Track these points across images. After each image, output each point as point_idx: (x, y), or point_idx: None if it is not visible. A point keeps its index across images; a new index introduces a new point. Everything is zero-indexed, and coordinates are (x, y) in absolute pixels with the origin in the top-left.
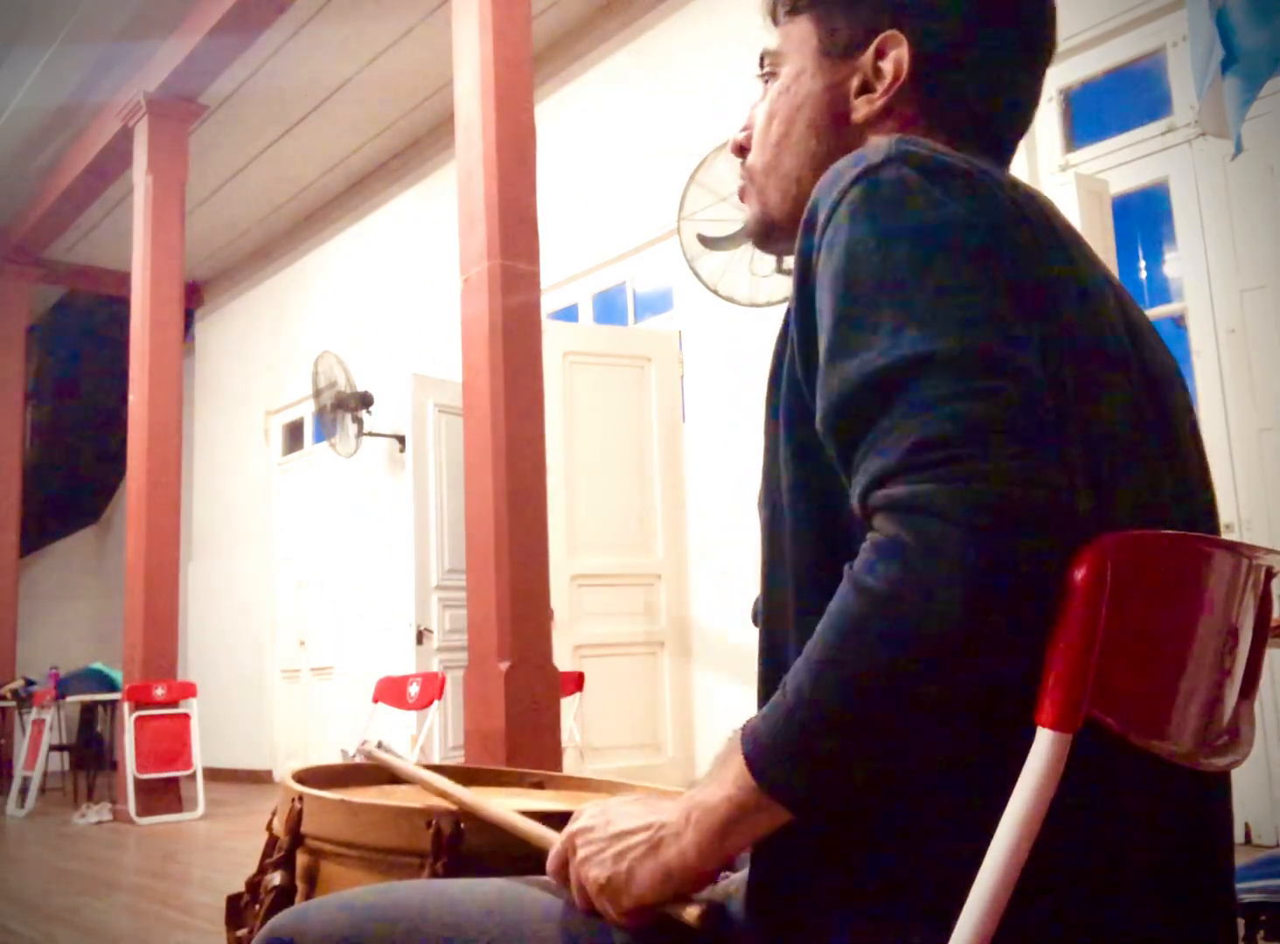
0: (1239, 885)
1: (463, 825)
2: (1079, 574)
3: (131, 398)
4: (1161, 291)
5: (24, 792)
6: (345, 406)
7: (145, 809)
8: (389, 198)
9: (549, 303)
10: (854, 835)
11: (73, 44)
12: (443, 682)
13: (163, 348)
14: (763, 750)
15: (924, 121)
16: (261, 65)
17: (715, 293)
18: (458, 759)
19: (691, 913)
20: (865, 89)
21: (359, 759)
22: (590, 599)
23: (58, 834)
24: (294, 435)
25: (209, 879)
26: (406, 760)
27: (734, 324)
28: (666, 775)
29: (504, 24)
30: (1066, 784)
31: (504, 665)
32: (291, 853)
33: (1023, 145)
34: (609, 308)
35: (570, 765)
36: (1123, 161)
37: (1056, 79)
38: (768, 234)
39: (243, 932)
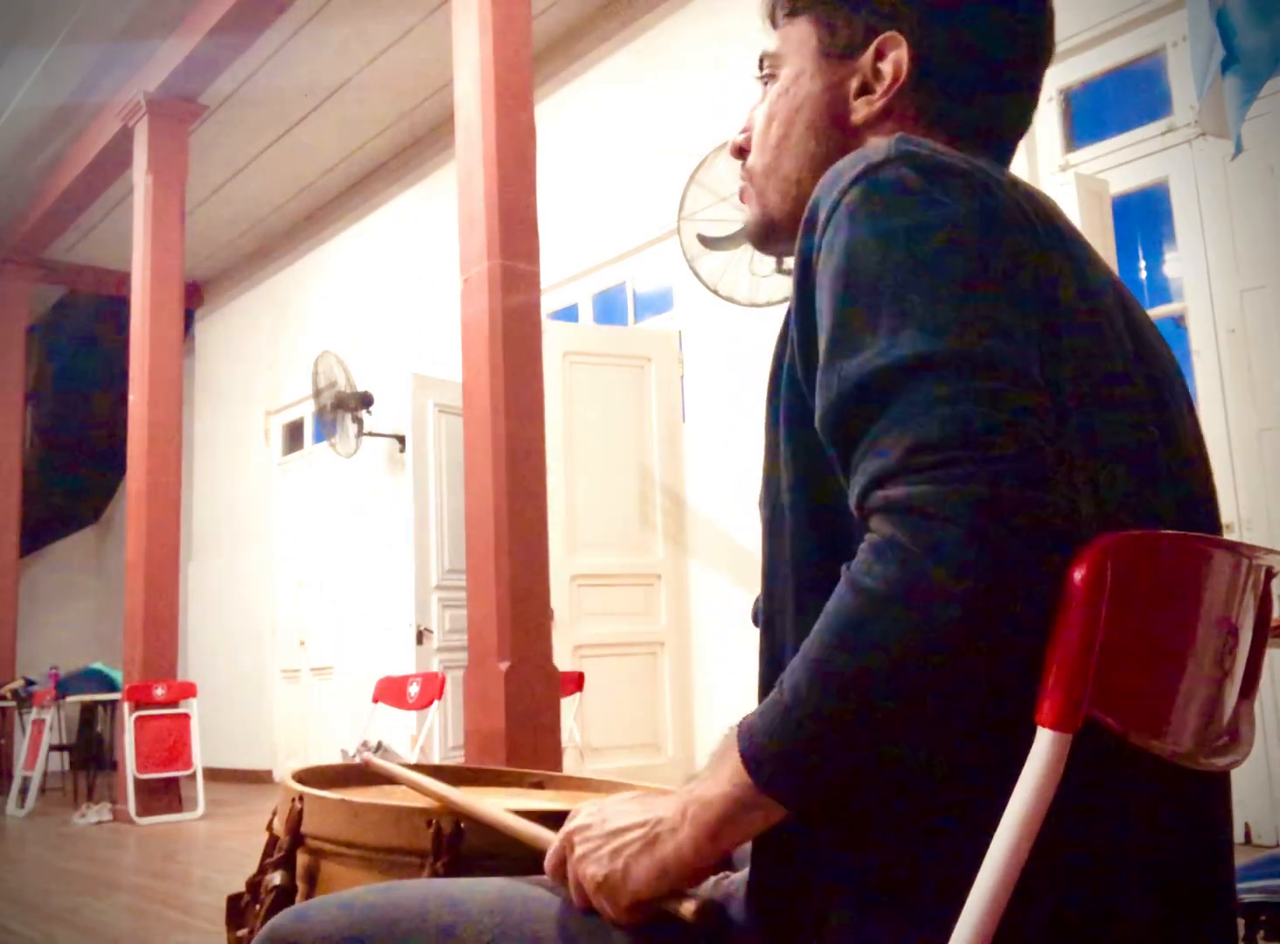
0: (1239, 885)
1: (463, 825)
2: (1079, 574)
3: (131, 398)
4: (1161, 291)
5: (24, 792)
6: (345, 406)
7: (145, 809)
8: (389, 198)
9: (549, 303)
10: (854, 836)
11: (73, 44)
12: (443, 682)
13: (163, 348)
14: (759, 748)
15: (924, 122)
16: (261, 65)
17: (715, 293)
18: (458, 759)
19: (688, 908)
20: (865, 90)
21: (359, 759)
22: (590, 599)
23: (58, 834)
24: (294, 435)
25: (209, 879)
26: (399, 767)
27: (734, 324)
28: (666, 775)
29: (504, 24)
30: (1066, 784)
31: (504, 665)
32: (292, 853)
33: (1023, 145)
34: (609, 308)
35: (570, 765)
36: (1123, 161)
37: (1056, 79)
38: (767, 235)
39: (243, 932)
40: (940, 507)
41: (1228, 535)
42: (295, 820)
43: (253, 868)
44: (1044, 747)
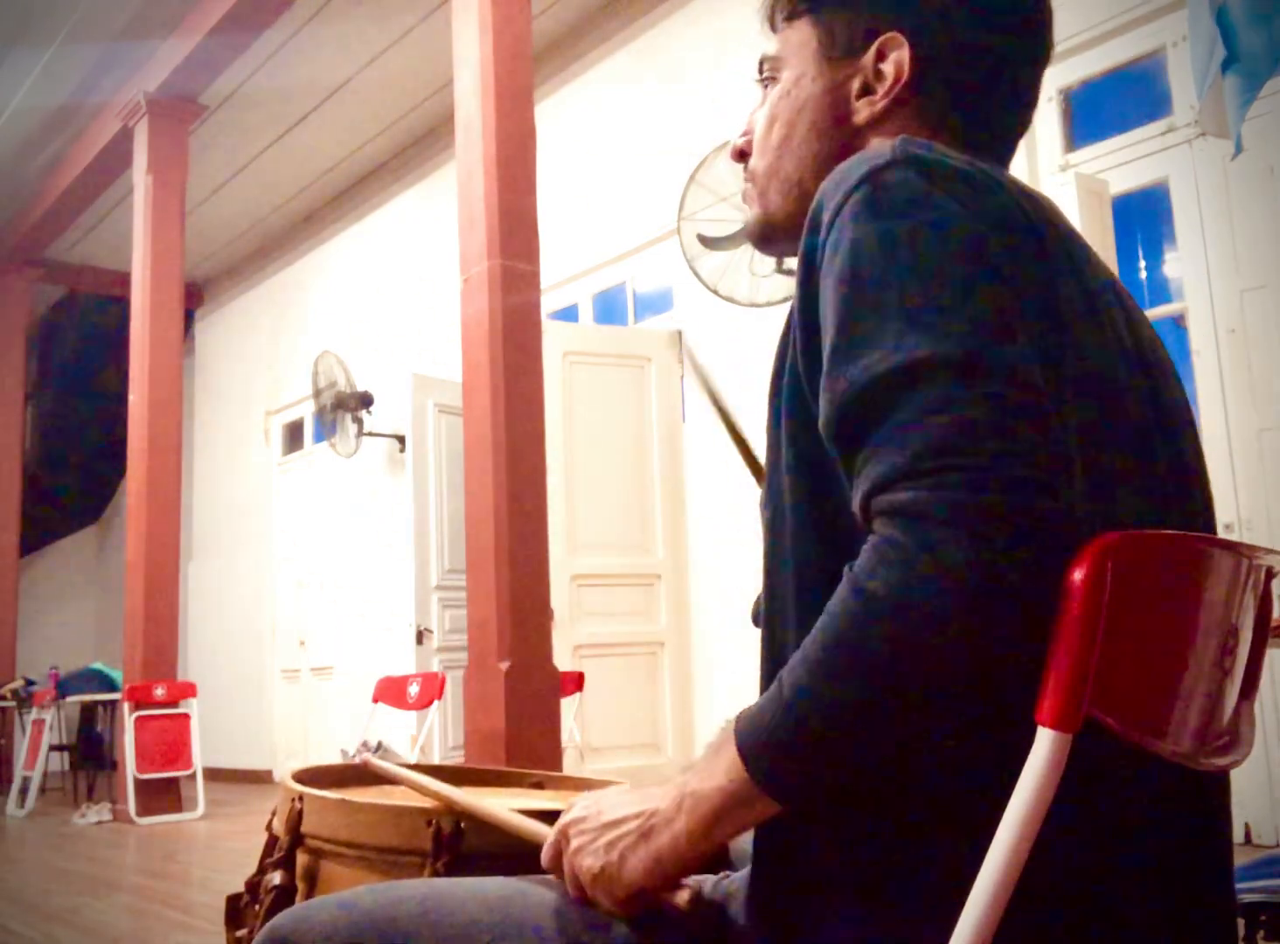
0: (1239, 885)
1: (463, 825)
2: (1079, 574)
3: (131, 398)
4: (1161, 291)
5: (24, 792)
6: (345, 406)
7: (145, 809)
8: (389, 198)
9: (549, 303)
10: (855, 836)
11: (73, 44)
12: (443, 682)
13: (163, 348)
14: (757, 744)
15: (926, 122)
16: (261, 65)
17: (715, 293)
18: (458, 759)
19: (682, 897)
20: (866, 91)
21: (359, 759)
22: (590, 599)
23: (58, 834)
24: (294, 435)
25: (209, 879)
26: (398, 767)
27: (734, 324)
28: (666, 775)
29: (504, 24)
30: (1066, 784)
31: (504, 665)
32: (291, 853)
33: (1023, 145)
34: (609, 308)
35: (570, 765)
36: (1123, 161)
37: (1056, 79)
38: (769, 236)
39: (243, 932)
40: (943, 512)
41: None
42: (295, 820)
43: (252, 868)
44: (1044, 746)
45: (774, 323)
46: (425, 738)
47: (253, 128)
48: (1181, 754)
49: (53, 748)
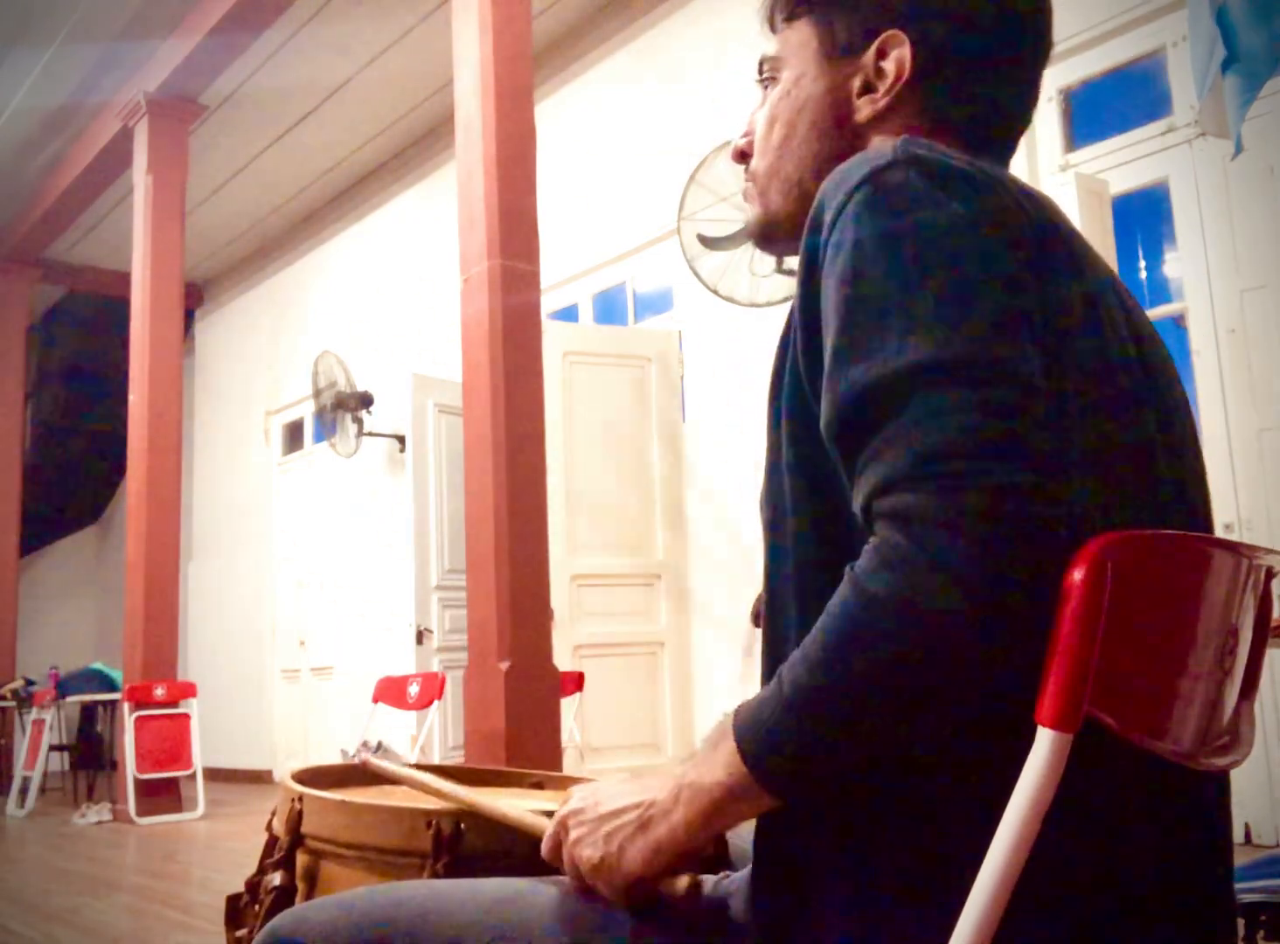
0: (1239, 885)
1: (463, 826)
2: (1079, 574)
3: (131, 398)
4: (1161, 291)
5: (24, 792)
6: (345, 406)
7: (145, 809)
8: (389, 198)
9: (549, 303)
10: (855, 837)
11: (73, 44)
12: (443, 682)
13: (163, 348)
14: (755, 740)
15: (927, 119)
16: (261, 65)
17: (715, 293)
18: (458, 759)
19: (680, 885)
20: (867, 89)
21: (358, 759)
22: (590, 599)
23: (58, 834)
24: (294, 435)
25: (209, 879)
26: (398, 766)
27: (734, 324)
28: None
29: (504, 24)
30: (1066, 784)
31: (504, 665)
32: (291, 853)
33: (1023, 145)
34: (609, 308)
35: (570, 765)
36: (1123, 161)
37: (1056, 79)
38: (770, 235)
39: (243, 932)
40: (945, 516)
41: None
42: (295, 821)
43: (252, 868)
44: (1044, 746)
45: (774, 323)
46: (425, 738)
47: (253, 128)
48: (1181, 754)
49: (53, 748)
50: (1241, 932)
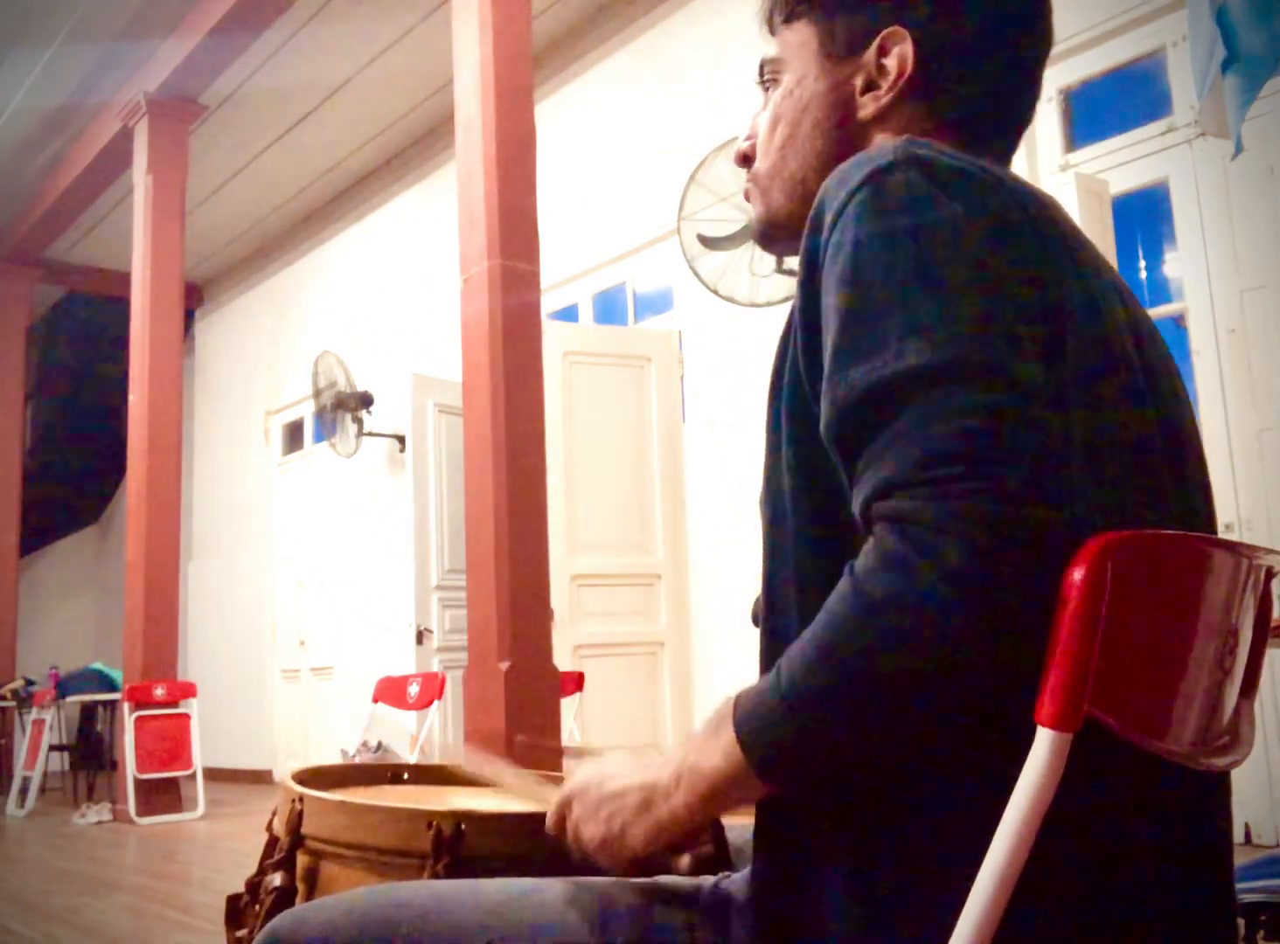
0: (1239, 885)
1: (463, 826)
2: (1078, 574)
3: (131, 398)
4: (1161, 291)
5: (24, 792)
6: (345, 406)
7: (145, 809)
8: (389, 198)
9: (549, 303)
10: (856, 836)
11: (73, 44)
12: (443, 682)
13: (163, 348)
14: (753, 731)
15: (930, 116)
16: (261, 65)
17: (715, 293)
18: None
19: (683, 862)
20: (870, 87)
21: (358, 759)
22: (590, 599)
23: (58, 834)
24: (294, 435)
25: (209, 879)
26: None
27: (734, 324)
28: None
29: (504, 24)
30: (1066, 784)
31: (504, 665)
32: (292, 854)
33: (1023, 145)
34: (609, 308)
35: (570, 766)
36: (1123, 161)
37: (1056, 79)
38: (772, 235)
39: (243, 932)
40: (944, 521)
41: (1228, 535)
42: (295, 821)
43: (253, 868)
44: (1044, 746)
45: (774, 323)
46: (425, 738)
47: (253, 128)
48: (1181, 754)
49: (53, 748)
50: (1241, 932)
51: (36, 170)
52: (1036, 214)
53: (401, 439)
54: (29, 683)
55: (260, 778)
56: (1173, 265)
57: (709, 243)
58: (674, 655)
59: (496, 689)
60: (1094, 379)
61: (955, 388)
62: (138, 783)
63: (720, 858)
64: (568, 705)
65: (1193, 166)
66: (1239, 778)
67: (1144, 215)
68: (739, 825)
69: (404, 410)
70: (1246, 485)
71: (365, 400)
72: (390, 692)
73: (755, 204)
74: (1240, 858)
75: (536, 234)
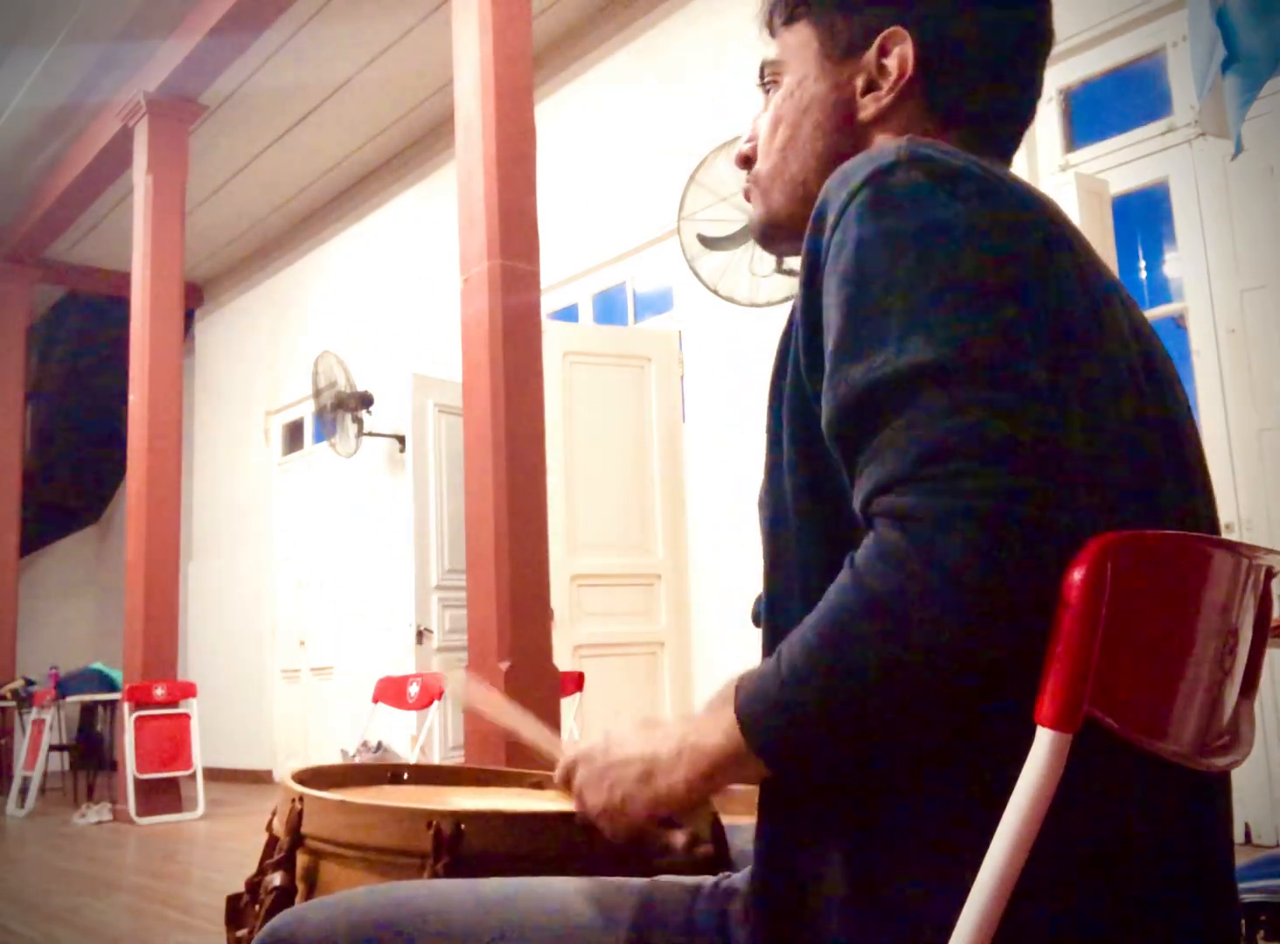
0: (1239, 885)
1: (463, 826)
2: (1078, 574)
3: (131, 398)
4: (1161, 291)
5: (24, 792)
6: (345, 406)
7: (145, 809)
8: (389, 198)
9: (549, 303)
10: (856, 835)
11: (73, 44)
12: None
13: (163, 348)
14: (753, 714)
15: (931, 115)
16: (261, 65)
17: (715, 293)
18: (458, 759)
19: (679, 839)
20: (871, 88)
21: (358, 759)
22: (590, 599)
23: (58, 834)
24: (294, 435)
25: (209, 879)
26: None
27: (734, 324)
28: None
29: (504, 24)
30: (1066, 784)
31: (504, 665)
32: (291, 853)
33: (1023, 145)
34: (609, 308)
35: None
36: (1123, 161)
37: (1056, 79)
38: (773, 236)
39: (243, 932)
40: (944, 518)
41: (1228, 535)
42: (295, 821)
43: (252, 868)
44: (1044, 746)
45: (774, 323)
46: (425, 738)
47: (253, 128)
48: (1181, 754)
49: (53, 748)
50: (1242, 931)
51: (36, 170)
52: (1039, 214)
53: (401, 439)
54: (29, 683)
55: (260, 778)
56: (1173, 265)
57: (709, 243)
58: (674, 655)
59: (496, 689)
60: (1095, 379)
61: (956, 386)
62: (138, 783)
63: (720, 858)
64: (568, 705)
65: (1193, 166)
66: (1239, 778)
67: (1144, 215)
68: (739, 826)
69: (404, 410)
70: (1246, 485)
71: (365, 400)
72: (390, 692)
73: (756, 205)
74: (1240, 858)
75: (536, 234)
